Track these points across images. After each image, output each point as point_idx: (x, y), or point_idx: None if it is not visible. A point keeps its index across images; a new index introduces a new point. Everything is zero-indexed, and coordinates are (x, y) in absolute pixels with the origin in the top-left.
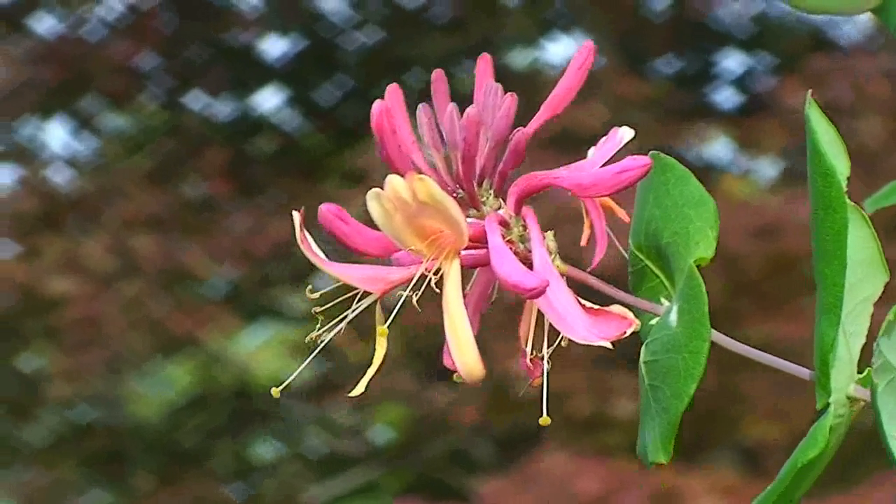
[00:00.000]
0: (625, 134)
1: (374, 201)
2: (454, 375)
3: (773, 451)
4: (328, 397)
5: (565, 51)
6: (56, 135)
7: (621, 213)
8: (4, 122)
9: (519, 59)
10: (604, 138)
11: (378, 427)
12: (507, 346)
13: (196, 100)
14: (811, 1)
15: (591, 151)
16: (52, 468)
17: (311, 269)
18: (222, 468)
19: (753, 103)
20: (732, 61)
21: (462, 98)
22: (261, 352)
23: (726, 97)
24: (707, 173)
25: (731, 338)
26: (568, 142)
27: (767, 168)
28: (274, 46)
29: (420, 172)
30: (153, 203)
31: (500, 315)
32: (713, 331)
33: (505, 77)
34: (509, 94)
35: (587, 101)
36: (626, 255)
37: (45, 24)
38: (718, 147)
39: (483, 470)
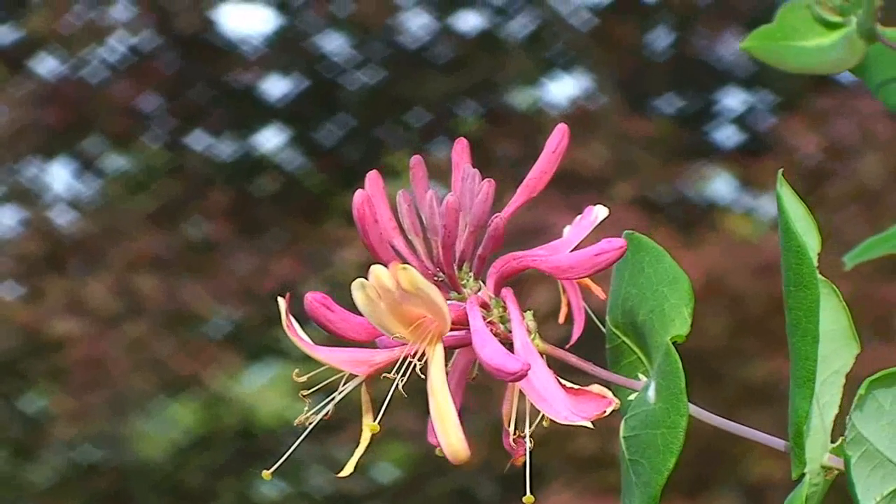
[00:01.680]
0: (599, 213)
1: (358, 291)
2: (437, 450)
3: (776, 489)
4: (332, 435)
5: (567, 90)
6: (59, 176)
7: (597, 291)
8: (7, 163)
9: (520, 98)
10: (579, 217)
11: (382, 465)
12: (502, 387)
13: (198, 140)
14: (792, 61)
15: (567, 230)
16: None
17: None
18: None
19: (755, 141)
20: (733, 99)
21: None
22: (264, 391)
23: (727, 135)
24: (709, 212)
25: (736, 376)
26: (571, 181)
27: (769, 206)
28: (275, 86)
29: (402, 258)
30: (156, 243)
31: None
32: (691, 405)
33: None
34: (486, 180)
35: (588, 140)
36: (604, 330)
37: (46, 65)
38: (720, 185)
39: None
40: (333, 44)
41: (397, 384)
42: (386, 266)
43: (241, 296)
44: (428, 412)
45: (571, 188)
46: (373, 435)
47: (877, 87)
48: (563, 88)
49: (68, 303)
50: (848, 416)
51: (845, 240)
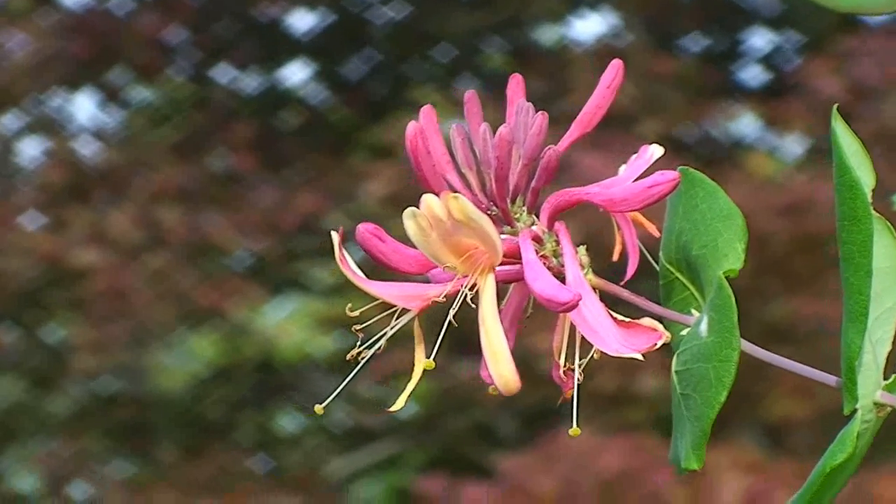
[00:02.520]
0: (655, 151)
1: (409, 220)
2: (491, 388)
3: (797, 429)
4: (351, 370)
5: (593, 27)
6: (83, 107)
7: (651, 228)
8: (32, 94)
9: (546, 35)
10: (634, 155)
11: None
12: (533, 322)
13: (223, 73)
14: (846, 2)
15: (622, 168)
16: (77, 439)
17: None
18: (246, 440)
19: (780, 82)
20: (760, 39)
21: (489, 74)
22: (285, 324)
23: (753, 75)
24: (734, 151)
25: (758, 316)
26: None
27: (794, 146)
28: (301, 21)
29: (454, 191)
30: (180, 176)
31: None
32: (743, 340)
33: (532, 54)
34: (540, 112)
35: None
36: (657, 268)
37: None
38: (745, 125)
39: (506, 446)
40: None
41: (449, 317)
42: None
43: (263, 229)
44: (448, 348)
45: (597, 126)
46: (423, 370)
47: None
48: (590, 26)
49: (91, 233)
50: None
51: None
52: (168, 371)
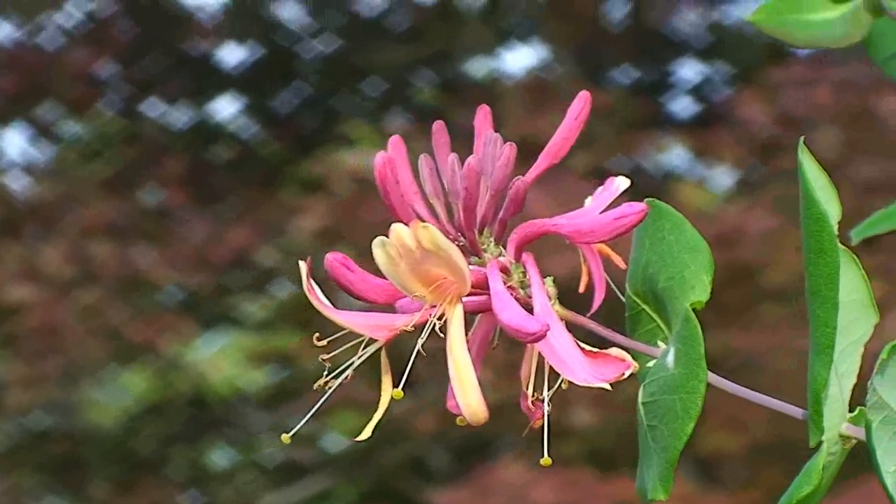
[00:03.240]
0: (621, 183)
1: (379, 249)
2: (458, 419)
3: (729, 462)
4: (284, 405)
5: (523, 60)
6: (13, 142)
7: (617, 260)
8: None
9: (476, 68)
10: (601, 187)
11: (332, 435)
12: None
13: (154, 107)
14: (799, 35)
15: (588, 200)
16: (9, 474)
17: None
18: (178, 475)
19: (710, 113)
20: (689, 71)
21: (419, 107)
22: (217, 359)
23: (683, 107)
24: (665, 182)
25: None
26: (528, 150)
27: (723, 177)
28: (231, 55)
29: (422, 221)
30: (111, 210)
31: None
32: (709, 372)
33: (463, 86)
34: (508, 143)
35: (545, 111)
36: (623, 299)
37: (2, 30)
38: (675, 156)
39: (439, 479)
40: (290, 12)
41: (418, 347)
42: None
43: (195, 263)
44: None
45: (529, 157)
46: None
47: (883, 60)
48: (520, 59)
49: (22, 269)
50: (870, 381)
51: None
52: (100, 406)
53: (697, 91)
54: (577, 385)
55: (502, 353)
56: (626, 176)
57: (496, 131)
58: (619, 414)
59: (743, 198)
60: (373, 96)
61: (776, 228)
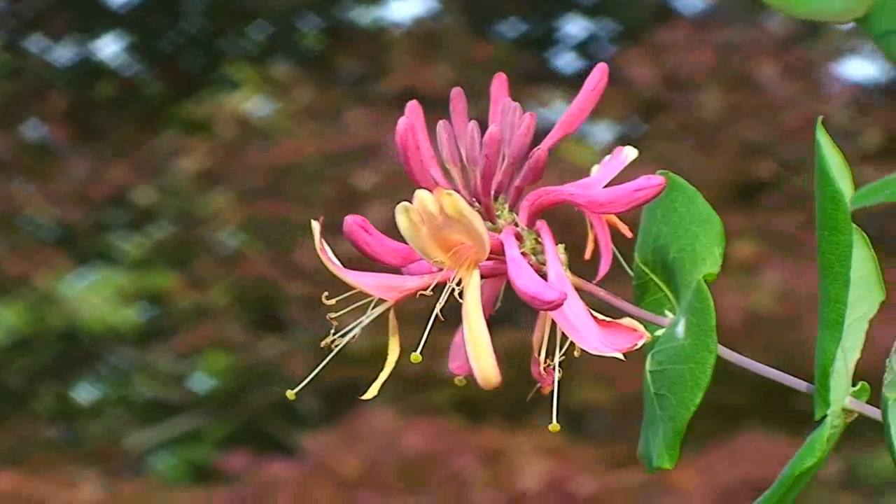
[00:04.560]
0: (629, 153)
1: (402, 214)
2: (456, 379)
3: (598, 414)
4: (154, 343)
5: (410, 9)
6: None
7: (624, 229)
8: None
9: (363, 15)
10: (608, 156)
11: (199, 375)
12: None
13: (38, 43)
14: (799, 7)
15: (595, 169)
16: None
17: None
18: (47, 410)
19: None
20: (575, 27)
21: (305, 52)
22: (90, 295)
23: (568, 62)
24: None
25: None
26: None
27: (604, 133)
28: None
29: (439, 186)
30: None
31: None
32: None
33: (349, 33)
34: (528, 113)
35: (432, 61)
36: (629, 270)
37: None
38: (558, 111)
39: (308, 424)
40: None
41: (436, 311)
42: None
43: (74, 200)
44: (253, 324)
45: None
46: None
47: (879, 36)
48: (408, 7)
49: None
50: (888, 360)
51: (680, 172)
52: None
53: (583, 48)
54: (589, 353)
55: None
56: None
57: (381, 79)
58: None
59: None
60: (258, 39)
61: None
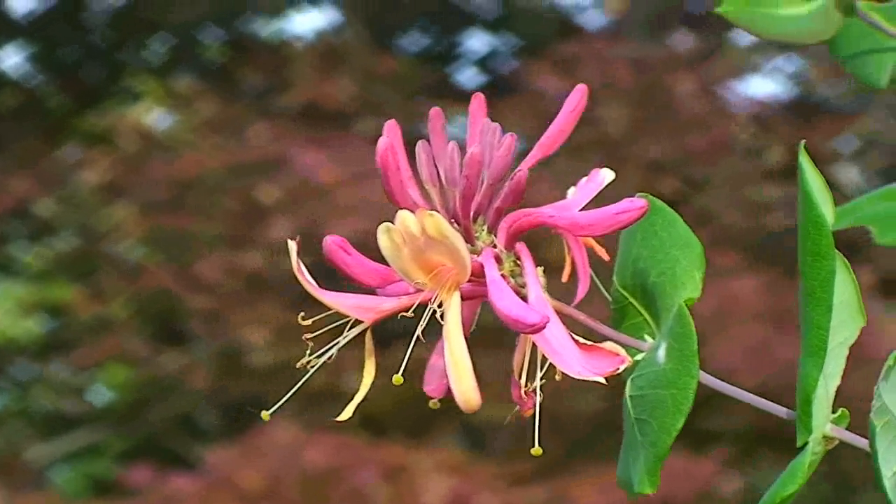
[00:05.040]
0: (606, 175)
1: (384, 234)
2: (431, 402)
3: (498, 432)
4: (55, 355)
5: (313, 22)
6: None
7: (601, 251)
8: None
9: (266, 29)
10: (584, 179)
11: (99, 388)
12: (241, 315)
13: None
14: (766, 28)
15: (571, 191)
16: None
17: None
18: None
19: (496, 85)
20: (477, 42)
21: (207, 65)
22: None
23: (470, 77)
24: None
25: None
26: (315, 115)
27: None
28: (21, 2)
29: (417, 207)
30: None
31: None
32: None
33: (251, 47)
34: (508, 133)
35: (334, 75)
36: (606, 293)
37: None
38: (460, 126)
39: (210, 438)
40: None
41: (418, 332)
42: (412, 212)
43: None
44: (154, 337)
45: (316, 122)
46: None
47: (846, 58)
48: (311, 21)
49: None
50: (876, 386)
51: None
52: None
53: (485, 62)
54: (571, 377)
55: (281, 315)
56: (413, 142)
57: (284, 92)
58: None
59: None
60: (161, 52)
61: (560, 196)
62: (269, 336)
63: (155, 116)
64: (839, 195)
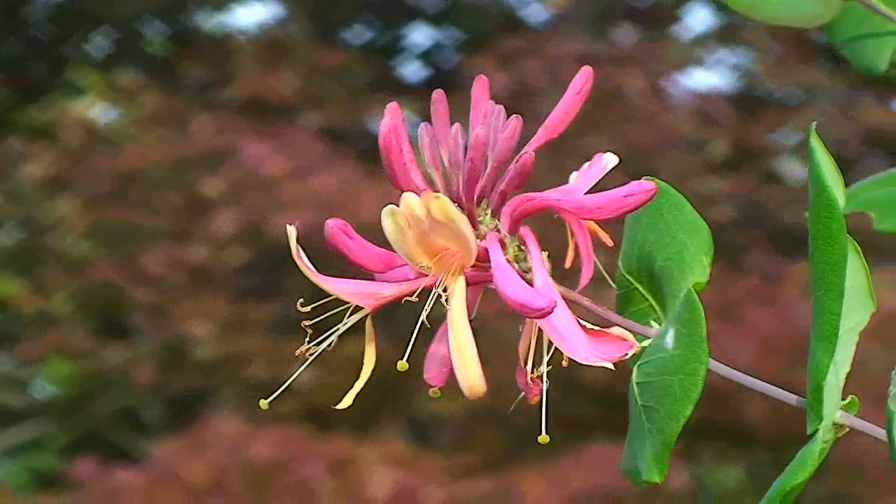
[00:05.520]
0: (609, 160)
1: (388, 218)
2: (431, 391)
3: (444, 425)
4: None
5: (256, 15)
6: None
7: (604, 237)
8: None
9: (209, 22)
10: (587, 163)
11: (41, 382)
12: (186, 308)
13: None
14: (766, 12)
15: (574, 176)
16: None
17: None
18: None
19: (439, 78)
20: (420, 35)
21: (150, 59)
22: None
23: (413, 70)
24: None
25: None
26: (259, 108)
27: None
28: None
29: (427, 189)
30: None
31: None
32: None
33: (194, 40)
34: (514, 116)
35: (278, 68)
36: (608, 278)
37: None
38: (407, 120)
39: (154, 432)
40: None
41: (422, 318)
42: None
43: None
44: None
45: (260, 115)
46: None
47: (843, 43)
48: (254, 14)
49: None
50: (893, 371)
51: (533, 182)
52: None
53: (428, 56)
54: (578, 362)
55: (225, 308)
56: (355, 136)
57: (227, 86)
58: (338, 375)
59: None
60: (103, 45)
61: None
62: (213, 329)
63: (98, 110)
64: (781, 188)
